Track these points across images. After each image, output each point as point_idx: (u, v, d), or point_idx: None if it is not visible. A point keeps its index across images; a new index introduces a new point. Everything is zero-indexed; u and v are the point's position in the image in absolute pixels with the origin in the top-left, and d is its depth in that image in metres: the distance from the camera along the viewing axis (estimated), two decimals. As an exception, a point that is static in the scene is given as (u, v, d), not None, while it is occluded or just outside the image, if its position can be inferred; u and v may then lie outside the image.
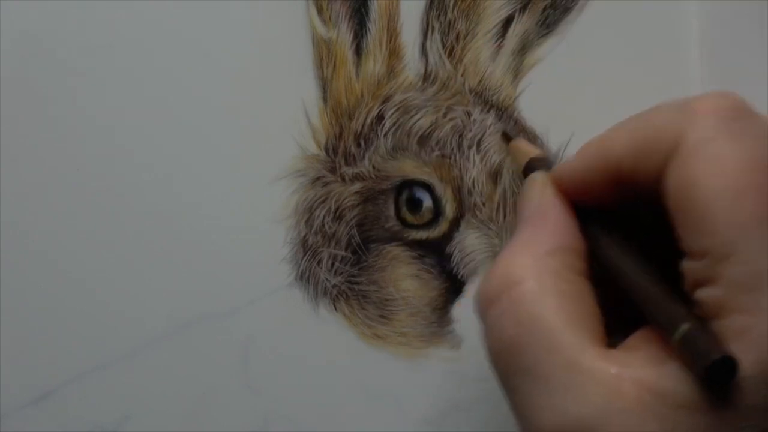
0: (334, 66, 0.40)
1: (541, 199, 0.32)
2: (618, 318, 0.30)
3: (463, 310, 0.40)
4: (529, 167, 0.35)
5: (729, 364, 0.25)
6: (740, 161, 0.27)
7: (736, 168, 0.27)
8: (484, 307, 0.30)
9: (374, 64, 0.40)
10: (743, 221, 0.26)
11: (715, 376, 0.25)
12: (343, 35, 0.40)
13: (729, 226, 0.26)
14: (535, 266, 0.30)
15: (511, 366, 0.29)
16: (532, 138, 0.40)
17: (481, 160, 0.40)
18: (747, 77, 0.41)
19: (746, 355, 0.26)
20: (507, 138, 0.39)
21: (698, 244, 0.27)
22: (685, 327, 0.26)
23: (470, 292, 0.40)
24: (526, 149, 0.36)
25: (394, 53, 0.40)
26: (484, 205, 0.40)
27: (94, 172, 0.39)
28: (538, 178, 0.33)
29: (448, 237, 0.40)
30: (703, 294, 0.27)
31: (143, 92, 0.39)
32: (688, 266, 0.27)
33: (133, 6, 0.39)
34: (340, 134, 0.40)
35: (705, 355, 0.25)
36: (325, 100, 0.40)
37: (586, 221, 0.31)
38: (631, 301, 0.29)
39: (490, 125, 0.40)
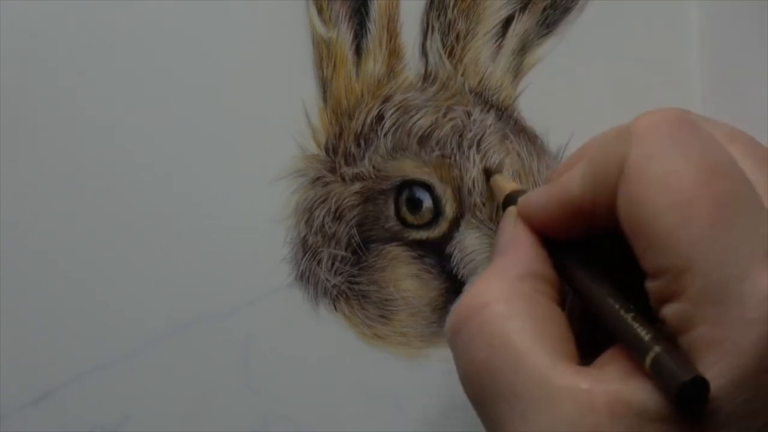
0: (334, 66, 0.40)
1: (513, 232, 0.32)
2: (595, 347, 0.30)
3: (463, 310, 0.40)
4: (507, 202, 0.35)
5: (700, 383, 0.25)
6: (682, 175, 0.27)
7: (680, 182, 0.27)
8: (454, 333, 0.30)
9: (374, 64, 0.40)
10: (695, 234, 0.26)
11: (688, 397, 0.25)
12: (343, 35, 0.40)
13: (682, 241, 0.26)
14: (503, 289, 0.30)
15: (484, 389, 0.29)
16: (532, 138, 0.40)
17: (481, 160, 0.40)
18: (747, 77, 0.41)
19: (718, 365, 0.26)
20: (487, 174, 0.39)
21: (656, 263, 0.27)
22: (654, 351, 0.26)
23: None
24: (504, 185, 0.37)
25: (394, 53, 0.40)
26: (484, 205, 0.40)
27: (94, 172, 0.39)
28: (512, 212, 0.33)
29: (448, 237, 0.40)
30: (668, 311, 0.27)
31: (143, 92, 0.39)
32: (651, 285, 0.27)
33: (133, 6, 0.39)
34: (340, 134, 0.40)
35: (675, 378, 0.25)
36: (325, 100, 0.40)
37: (556, 252, 0.32)
38: (603, 327, 0.29)
39: (490, 125, 0.40)
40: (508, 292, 0.30)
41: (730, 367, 0.25)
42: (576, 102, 0.41)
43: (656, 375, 0.26)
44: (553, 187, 0.31)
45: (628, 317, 0.28)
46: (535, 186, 0.40)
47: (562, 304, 0.31)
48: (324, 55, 0.40)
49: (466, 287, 0.40)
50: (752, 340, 0.25)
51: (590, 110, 0.41)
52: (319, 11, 0.40)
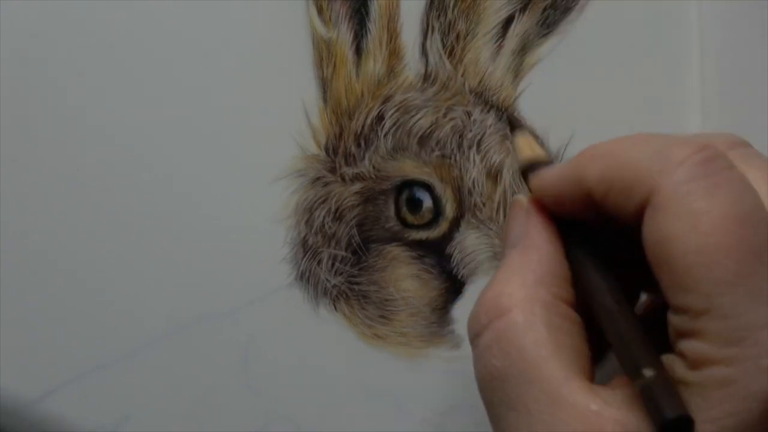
0: (334, 66, 0.40)
1: (527, 224, 0.32)
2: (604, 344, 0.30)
3: (463, 310, 0.40)
4: (526, 170, 0.34)
5: (684, 422, 0.26)
6: (714, 218, 0.27)
7: (711, 225, 0.27)
8: (474, 336, 0.30)
9: (374, 64, 0.40)
10: (719, 278, 0.26)
11: (672, 430, 0.26)
12: (343, 35, 0.40)
13: (706, 283, 0.27)
14: (523, 296, 0.30)
15: (496, 395, 0.29)
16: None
17: (481, 160, 0.40)
18: (747, 77, 0.41)
19: (727, 405, 0.26)
20: (513, 127, 0.37)
21: (678, 300, 0.27)
22: (645, 377, 0.27)
23: (470, 292, 0.40)
24: (524, 148, 0.35)
25: (394, 53, 0.40)
26: (484, 205, 0.40)
27: (94, 172, 0.39)
28: (523, 200, 0.32)
29: (448, 237, 0.40)
30: (685, 346, 0.27)
31: (143, 92, 0.39)
32: (672, 318, 0.28)
33: (133, 6, 0.39)
34: (340, 134, 0.40)
35: (661, 411, 0.26)
36: (325, 100, 0.40)
37: (570, 244, 0.31)
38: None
39: (490, 125, 0.40)
40: (527, 300, 0.30)
41: (738, 409, 0.26)
42: (576, 102, 0.41)
43: (644, 400, 0.27)
44: (569, 167, 0.31)
45: (628, 332, 0.28)
46: None
47: (576, 301, 0.31)
48: (324, 55, 0.40)
49: (467, 287, 0.40)
50: (763, 386, 0.26)
51: (590, 110, 0.41)
52: (319, 11, 0.40)
